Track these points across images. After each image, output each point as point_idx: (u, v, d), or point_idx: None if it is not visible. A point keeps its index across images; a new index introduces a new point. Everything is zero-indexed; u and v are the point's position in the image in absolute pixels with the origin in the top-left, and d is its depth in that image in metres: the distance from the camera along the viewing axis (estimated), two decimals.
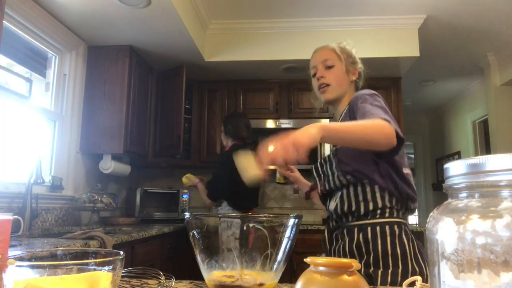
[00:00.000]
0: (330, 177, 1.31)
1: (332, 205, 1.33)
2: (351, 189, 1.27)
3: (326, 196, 1.38)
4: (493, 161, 0.35)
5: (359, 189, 1.25)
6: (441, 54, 3.94)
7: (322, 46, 1.50)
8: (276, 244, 0.63)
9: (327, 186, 1.34)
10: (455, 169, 0.39)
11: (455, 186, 0.39)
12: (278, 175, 2.08)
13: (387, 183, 1.23)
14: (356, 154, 1.25)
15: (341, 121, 1.41)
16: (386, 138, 1.09)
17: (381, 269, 1.16)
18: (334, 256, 1.27)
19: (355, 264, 0.49)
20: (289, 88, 3.82)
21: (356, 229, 1.23)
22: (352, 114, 1.31)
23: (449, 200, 0.40)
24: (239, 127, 2.92)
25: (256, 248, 0.62)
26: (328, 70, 1.42)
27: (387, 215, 1.22)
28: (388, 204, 1.23)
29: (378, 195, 1.23)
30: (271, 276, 0.63)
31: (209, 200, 2.92)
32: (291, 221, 0.63)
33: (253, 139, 2.99)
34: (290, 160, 0.97)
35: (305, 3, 3.12)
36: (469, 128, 4.88)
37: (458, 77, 4.60)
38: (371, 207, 1.23)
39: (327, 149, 3.35)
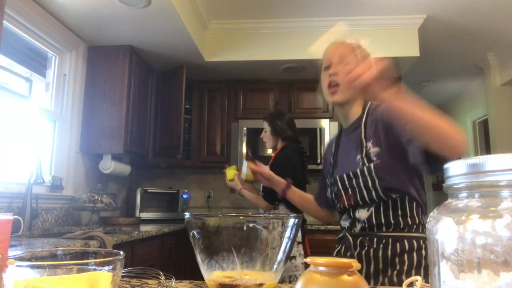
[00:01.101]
0: (365, 193, 1.25)
1: (363, 214, 1.27)
2: (390, 203, 1.24)
3: (350, 207, 1.32)
4: (493, 161, 0.35)
5: (399, 204, 1.23)
6: (441, 54, 3.94)
7: (341, 40, 1.38)
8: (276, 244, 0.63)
9: (359, 201, 1.27)
10: (455, 169, 0.39)
11: (455, 186, 0.39)
12: (246, 170, 1.83)
13: (420, 196, 1.25)
14: (394, 170, 1.23)
15: (353, 130, 1.35)
16: (458, 143, 0.98)
17: None
18: (362, 260, 1.24)
19: (355, 264, 0.49)
20: (289, 88, 3.82)
21: (391, 240, 1.22)
22: (377, 125, 1.27)
23: (449, 200, 0.40)
24: (284, 127, 2.81)
25: (256, 248, 0.62)
26: (343, 66, 1.32)
27: (420, 230, 1.24)
28: (422, 221, 1.25)
29: (414, 211, 1.24)
30: (271, 276, 0.63)
31: (266, 203, 2.74)
32: (291, 221, 0.63)
33: (298, 138, 2.89)
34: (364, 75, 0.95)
35: (306, 3, 3.12)
36: (469, 128, 4.88)
37: (458, 77, 4.60)
38: (410, 222, 1.23)
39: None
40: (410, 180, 1.23)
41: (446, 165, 0.41)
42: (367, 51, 1.38)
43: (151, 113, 3.48)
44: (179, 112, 3.39)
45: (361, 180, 1.25)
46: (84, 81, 3.03)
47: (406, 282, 0.67)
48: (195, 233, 0.63)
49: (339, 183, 1.33)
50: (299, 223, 0.66)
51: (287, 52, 3.39)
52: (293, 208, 2.76)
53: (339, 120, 1.48)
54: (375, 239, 1.24)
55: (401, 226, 1.22)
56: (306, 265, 0.54)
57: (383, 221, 1.23)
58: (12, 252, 0.56)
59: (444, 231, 0.36)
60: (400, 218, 1.22)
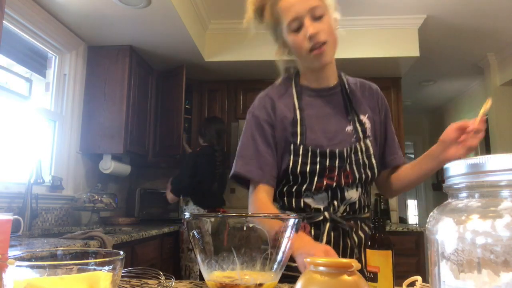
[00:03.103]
0: (362, 171, 1.11)
1: (354, 194, 1.11)
2: (369, 183, 1.17)
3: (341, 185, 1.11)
4: (493, 161, 0.35)
5: (368, 186, 1.18)
6: (441, 54, 3.94)
7: None
8: (276, 244, 0.63)
9: (356, 179, 1.11)
10: (455, 169, 0.39)
11: (455, 186, 0.39)
12: None
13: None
14: (375, 147, 1.18)
15: (331, 94, 1.19)
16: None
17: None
18: (353, 247, 1.11)
19: (355, 264, 0.49)
20: None
21: (366, 221, 1.16)
22: (378, 106, 1.21)
23: (449, 200, 0.40)
24: (211, 133, 3.13)
25: (256, 248, 0.62)
26: (317, 22, 1.08)
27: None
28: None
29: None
30: (271, 276, 0.63)
31: (171, 195, 3.06)
32: (291, 221, 0.64)
33: (221, 146, 3.21)
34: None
35: None
36: None
37: (458, 77, 4.60)
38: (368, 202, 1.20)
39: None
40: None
41: (446, 165, 0.41)
42: None
43: (151, 113, 3.48)
44: (179, 112, 3.39)
45: (360, 157, 1.11)
46: (84, 81, 3.03)
47: (406, 282, 0.67)
48: (195, 233, 0.63)
49: (343, 158, 1.10)
50: (299, 223, 0.66)
51: None
52: (202, 205, 2.95)
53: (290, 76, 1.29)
54: (358, 222, 1.13)
55: (368, 207, 1.18)
56: None
57: (366, 202, 1.15)
58: (12, 252, 0.56)
59: (444, 231, 0.36)
60: (367, 199, 1.17)
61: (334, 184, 1.09)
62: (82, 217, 2.98)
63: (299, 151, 1.10)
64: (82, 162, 3.01)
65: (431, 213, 0.40)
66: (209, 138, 3.11)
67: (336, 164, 1.09)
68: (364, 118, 1.16)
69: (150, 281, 0.82)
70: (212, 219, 0.65)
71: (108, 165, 3.05)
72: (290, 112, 1.16)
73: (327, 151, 1.10)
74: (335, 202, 1.10)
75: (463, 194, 0.38)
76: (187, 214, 0.65)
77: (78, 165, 2.96)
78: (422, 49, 3.38)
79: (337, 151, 1.10)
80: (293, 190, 1.12)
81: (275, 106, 1.19)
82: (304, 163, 1.09)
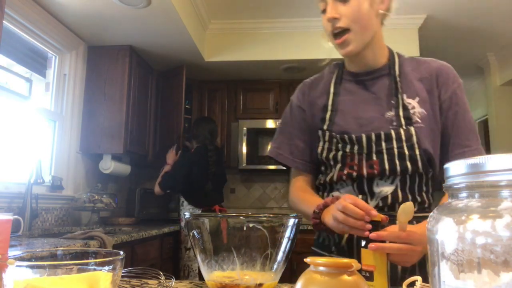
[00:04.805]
0: (397, 162, 0.98)
1: (386, 188, 0.99)
2: (417, 176, 1.00)
3: (367, 177, 1.01)
4: (493, 161, 0.35)
5: (424, 179, 1.01)
6: (441, 54, 3.94)
7: None
8: (276, 244, 0.63)
9: (386, 170, 0.98)
10: (455, 169, 0.39)
11: (455, 186, 0.38)
12: None
13: (438, 173, 1.04)
14: (435, 138, 1.02)
15: (376, 77, 1.08)
16: None
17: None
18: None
19: (355, 264, 0.49)
20: (289, 88, 3.82)
21: (415, 222, 0.94)
22: (433, 85, 1.04)
23: (449, 200, 0.40)
24: (204, 134, 3.13)
25: (256, 248, 0.62)
26: (344, 4, 1.01)
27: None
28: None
29: (431, 188, 1.05)
30: (271, 276, 0.63)
31: (158, 189, 3.06)
32: (291, 221, 0.64)
33: (215, 145, 3.21)
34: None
35: (305, 3, 3.12)
36: None
37: None
38: (432, 200, 1.04)
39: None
40: (441, 152, 1.03)
41: (446, 165, 0.41)
42: None
43: (151, 113, 3.48)
44: (179, 112, 3.39)
45: (395, 145, 0.98)
46: (84, 81, 3.03)
47: (406, 282, 0.67)
48: (195, 233, 0.63)
49: (361, 144, 1.00)
50: (299, 223, 0.66)
51: (287, 52, 3.39)
52: (197, 205, 3.00)
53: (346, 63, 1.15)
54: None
55: (426, 205, 1.01)
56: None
57: (409, 197, 0.99)
58: (12, 252, 0.56)
59: (444, 231, 0.36)
60: (425, 195, 1.01)
61: (355, 174, 1.00)
62: (82, 217, 2.98)
63: (325, 137, 1.07)
64: (82, 162, 3.01)
65: (431, 213, 0.40)
66: (202, 139, 3.11)
67: (355, 151, 1.01)
68: (412, 102, 1.03)
69: (150, 281, 0.82)
70: (212, 219, 0.65)
71: (108, 165, 3.05)
72: (323, 97, 1.12)
73: (346, 136, 1.02)
74: (361, 196, 1.00)
75: (463, 194, 0.38)
76: (187, 214, 0.65)
77: (78, 165, 2.96)
78: (422, 49, 3.38)
79: (353, 136, 1.01)
80: (322, 182, 1.09)
81: (307, 91, 1.17)
82: (328, 149, 1.06)
